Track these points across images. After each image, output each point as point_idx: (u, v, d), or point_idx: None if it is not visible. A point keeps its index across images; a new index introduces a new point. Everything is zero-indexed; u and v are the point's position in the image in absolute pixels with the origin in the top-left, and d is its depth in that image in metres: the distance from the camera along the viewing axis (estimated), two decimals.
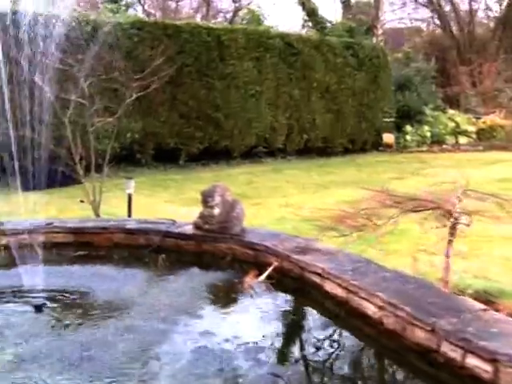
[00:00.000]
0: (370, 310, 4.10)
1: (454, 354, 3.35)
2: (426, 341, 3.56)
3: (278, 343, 4.06)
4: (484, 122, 26.41)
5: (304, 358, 3.88)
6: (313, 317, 4.63)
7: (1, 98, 5.93)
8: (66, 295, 4.90)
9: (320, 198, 11.47)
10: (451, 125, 25.82)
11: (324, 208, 10.22)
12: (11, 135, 6.04)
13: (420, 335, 3.62)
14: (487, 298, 5.16)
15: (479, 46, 33.55)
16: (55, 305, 4.67)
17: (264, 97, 19.31)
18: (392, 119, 24.21)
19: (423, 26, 40.35)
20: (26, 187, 6.83)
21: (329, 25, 26.60)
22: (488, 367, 3.15)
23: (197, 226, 5.97)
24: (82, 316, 4.43)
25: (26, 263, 5.28)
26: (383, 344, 3.90)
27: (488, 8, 36.92)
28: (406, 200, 4.94)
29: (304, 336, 4.29)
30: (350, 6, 32.40)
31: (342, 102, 22.03)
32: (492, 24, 36.19)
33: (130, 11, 23.72)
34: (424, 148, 24.08)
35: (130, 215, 8.35)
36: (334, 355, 3.95)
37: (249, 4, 30.96)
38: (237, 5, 33.88)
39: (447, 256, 5.10)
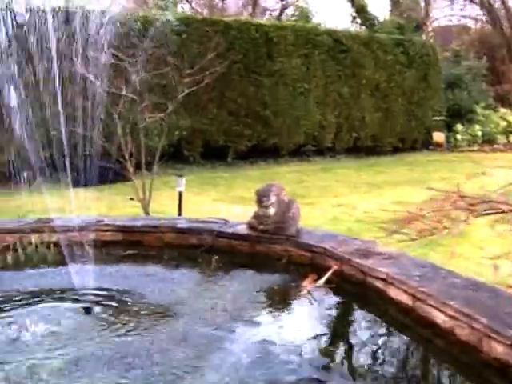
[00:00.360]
0: (440, 319, 3.81)
1: None
2: (505, 355, 3.28)
3: (343, 354, 3.80)
4: None
5: (372, 370, 3.61)
6: (376, 325, 4.36)
7: (53, 94, 5.79)
8: (116, 297, 4.72)
9: (373, 197, 11.19)
10: (503, 124, 25.24)
11: (379, 208, 10.00)
12: (62, 131, 5.90)
13: (498, 349, 3.33)
14: None
15: None
16: (105, 307, 4.49)
17: (312, 94, 19.08)
18: (442, 118, 23.77)
19: (471, 23, 39.57)
20: (76, 183, 6.70)
21: (377, 22, 26.20)
22: None
23: (251, 226, 5.75)
24: (133, 320, 4.23)
25: (76, 262, 5.13)
26: (455, 357, 3.62)
27: None
28: (480, 202, 4.63)
29: (369, 345, 4.01)
30: (398, 3, 31.91)
31: (392, 101, 21.68)
32: None
33: (177, 9, 23.63)
34: (475, 147, 23.56)
35: (180, 214, 8.18)
36: (401, 367, 3.69)
37: (297, 1, 30.64)
38: (283, 2, 33.60)
39: None
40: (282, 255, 5.43)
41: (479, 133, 24.23)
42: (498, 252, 5.40)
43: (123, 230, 6.18)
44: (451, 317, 3.71)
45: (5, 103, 5.75)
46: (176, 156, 15.57)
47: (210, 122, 16.55)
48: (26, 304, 4.63)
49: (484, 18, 37.26)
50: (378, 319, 4.40)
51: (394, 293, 4.30)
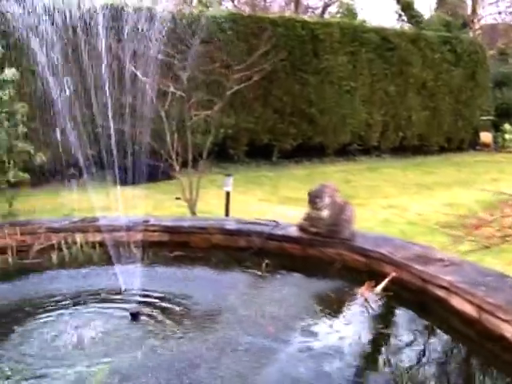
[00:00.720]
0: (510, 332, 3.55)
1: None
2: None
3: (406, 367, 3.54)
4: None
5: None
6: (439, 337, 4.10)
7: (101, 91, 5.66)
8: (164, 301, 4.54)
9: (423, 199, 10.88)
10: None
11: (430, 210, 9.72)
12: (111, 128, 5.77)
13: None
14: None
15: None
16: (152, 312, 4.30)
17: (359, 93, 18.79)
18: (490, 117, 23.24)
19: None
20: (121, 182, 6.56)
21: (423, 19, 25.78)
22: None
23: (302, 229, 5.52)
24: (181, 326, 4.04)
25: (122, 263, 4.97)
26: None
27: None
28: None
29: (433, 358, 3.76)
30: (445, 0, 31.40)
31: (439, 99, 21.28)
32: None
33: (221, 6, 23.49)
34: None
35: (227, 214, 7.98)
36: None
37: None
38: (326, 0, 33.28)
39: None
40: (335, 259, 5.19)
41: None
42: None
43: (170, 230, 6.01)
44: None
45: (52, 100, 5.62)
46: (221, 154, 15.39)
47: (255, 120, 16.36)
48: (70, 307, 4.48)
49: None
50: (439, 330, 4.14)
51: (457, 302, 4.05)
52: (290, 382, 3.24)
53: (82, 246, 5.82)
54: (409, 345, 3.89)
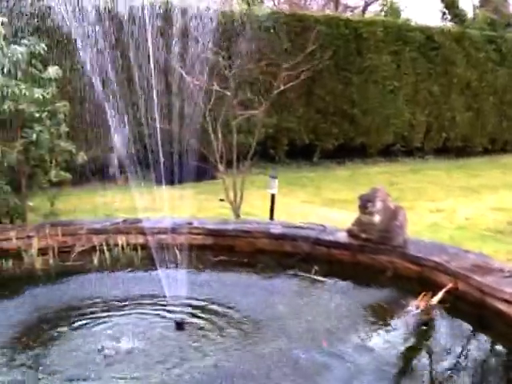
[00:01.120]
0: None
1: None
2: None
3: None
4: None
5: None
6: (499, 352, 3.85)
7: (147, 89, 5.54)
8: (209, 309, 4.37)
9: (470, 202, 10.55)
10: None
11: (480, 214, 9.43)
12: (157, 129, 5.64)
13: None
14: None
15: None
16: (197, 321, 4.14)
17: (402, 92, 18.40)
18: None
19: None
20: (163, 181, 6.43)
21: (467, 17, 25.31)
22: None
23: (352, 234, 5.31)
24: (227, 337, 3.86)
25: (166, 267, 4.80)
26: None
27: None
28: None
29: (495, 378, 3.53)
30: None
31: (483, 100, 20.78)
32: None
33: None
34: None
35: (272, 217, 7.77)
36: None
37: None
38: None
39: None
40: (386, 267, 4.98)
41: None
42: None
43: (214, 233, 5.85)
44: None
45: (96, 99, 5.51)
46: (261, 155, 15.20)
47: (297, 120, 16.10)
48: (111, 313, 4.34)
49: None
50: (500, 347, 3.90)
51: None
52: None
53: (123, 248, 5.71)
54: (469, 361, 3.67)
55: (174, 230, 5.63)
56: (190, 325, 4.04)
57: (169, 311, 4.26)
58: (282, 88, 8.92)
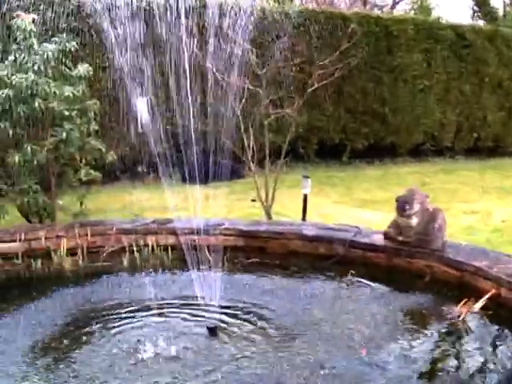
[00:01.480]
0: None
1: None
2: None
3: None
4: None
5: None
6: None
7: (178, 88, 5.43)
8: (242, 314, 4.25)
9: (505, 204, 10.29)
10: None
11: None
12: (189, 127, 5.54)
13: None
14: None
15: None
16: (231, 327, 4.01)
17: (433, 91, 18.15)
18: None
19: None
20: (193, 181, 6.33)
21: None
22: None
23: (388, 237, 5.15)
24: (264, 344, 3.73)
25: (196, 268, 4.68)
26: None
27: None
28: None
29: None
30: None
31: None
32: None
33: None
34: None
35: (304, 218, 7.63)
36: None
37: None
38: None
39: None
40: (424, 272, 4.82)
41: None
42: None
43: (246, 235, 5.73)
44: None
45: (126, 98, 5.43)
46: (290, 154, 15.06)
47: (326, 118, 15.94)
48: (140, 317, 4.24)
49: None
50: None
51: None
52: None
53: (153, 248, 5.61)
54: None
55: (205, 231, 5.51)
56: (222, 330, 3.92)
57: (201, 316, 4.15)
58: (316, 86, 8.78)
